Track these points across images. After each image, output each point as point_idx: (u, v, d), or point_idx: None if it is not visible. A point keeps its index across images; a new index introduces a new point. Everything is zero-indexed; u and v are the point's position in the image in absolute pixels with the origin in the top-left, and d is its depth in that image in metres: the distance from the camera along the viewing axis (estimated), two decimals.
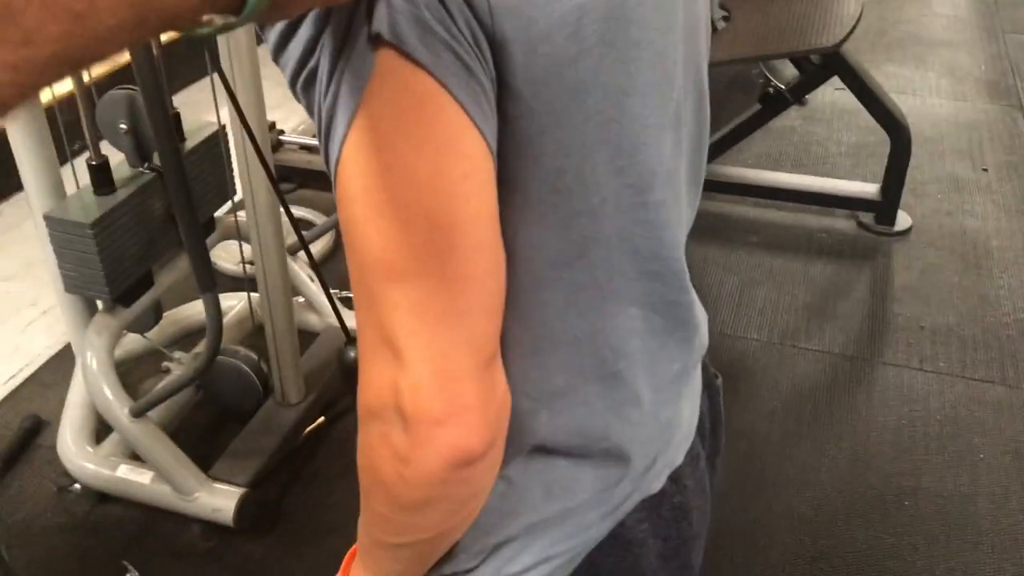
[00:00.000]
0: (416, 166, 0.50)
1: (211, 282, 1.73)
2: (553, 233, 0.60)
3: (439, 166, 0.50)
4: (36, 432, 2.28)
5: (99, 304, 2.02)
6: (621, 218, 0.63)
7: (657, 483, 0.76)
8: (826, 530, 2.02)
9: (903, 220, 3.06)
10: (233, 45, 1.78)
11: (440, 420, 0.54)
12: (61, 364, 2.46)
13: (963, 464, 2.18)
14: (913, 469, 2.17)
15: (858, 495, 2.11)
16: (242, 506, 1.93)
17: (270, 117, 2.27)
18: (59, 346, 2.55)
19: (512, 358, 0.61)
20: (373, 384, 0.56)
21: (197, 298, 2.46)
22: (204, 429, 2.25)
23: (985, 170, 3.42)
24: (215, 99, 1.93)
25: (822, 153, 3.54)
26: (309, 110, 0.54)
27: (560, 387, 0.66)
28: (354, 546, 0.79)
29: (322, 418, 2.28)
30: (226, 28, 0.36)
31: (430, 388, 0.53)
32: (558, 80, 0.54)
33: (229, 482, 1.98)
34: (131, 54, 1.58)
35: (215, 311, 1.76)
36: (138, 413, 1.88)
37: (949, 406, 2.35)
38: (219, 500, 1.94)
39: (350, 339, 0.91)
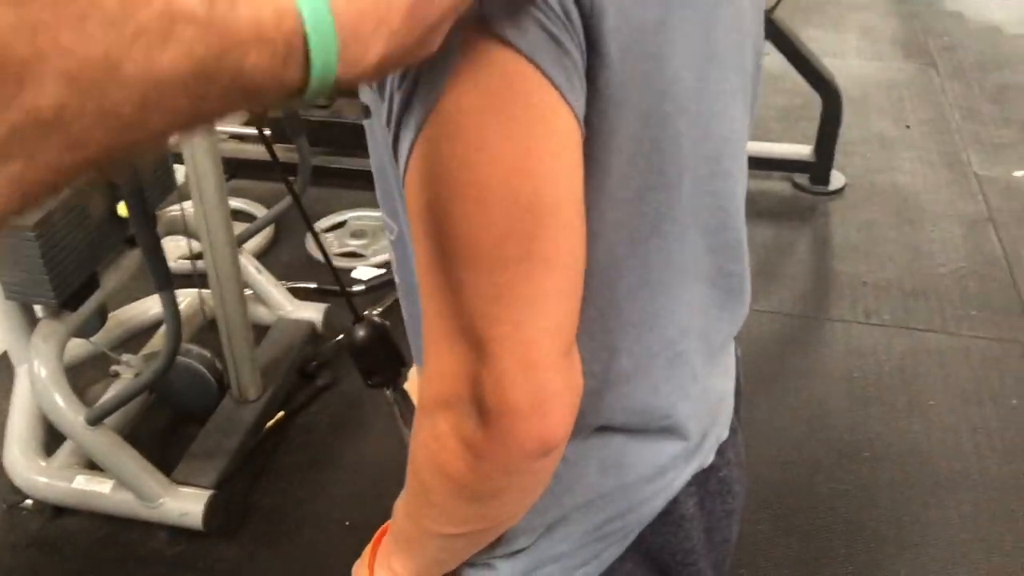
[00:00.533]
0: (505, 147, 0.47)
1: (167, 280, 1.67)
2: (628, 209, 0.59)
3: (529, 146, 0.48)
4: None
5: (38, 311, 1.94)
6: (694, 190, 0.62)
7: (709, 457, 0.76)
8: (790, 486, 2.07)
9: (837, 179, 3.13)
10: None
11: (526, 412, 0.52)
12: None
13: (915, 412, 2.25)
14: (868, 420, 2.23)
15: (818, 449, 2.16)
16: (210, 508, 1.88)
17: None
18: None
19: (580, 340, 0.60)
20: (446, 376, 0.54)
21: (141, 297, 2.39)
22: (160, 432, 2.18)
23: (908, 127, 3.53)
24: None
25: (754, 117, 3.59)
26: (380, 92, 0.51)
27: (626, 368, 0.65)
28: (383, 527, 0.77)
29: (282, 412, 2.23)
30: (288, 109, 0.34)
31: (515, 379, 0.51)
32: (644, 45, 0.52)
33: (194, 484, 1.92)
34: None
35: (173, 309, 1.70)
36: (94, 421, 1.81)
37: (896, 357, 2.42)
38: (186, 504, 1.88)
39: (359, 318, 0.89)
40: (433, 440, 0.57)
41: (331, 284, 2.62)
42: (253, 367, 2.14)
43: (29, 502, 1.98)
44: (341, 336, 2.44)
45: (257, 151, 2.99)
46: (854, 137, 3.43)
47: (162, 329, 2.32)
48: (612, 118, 0.53)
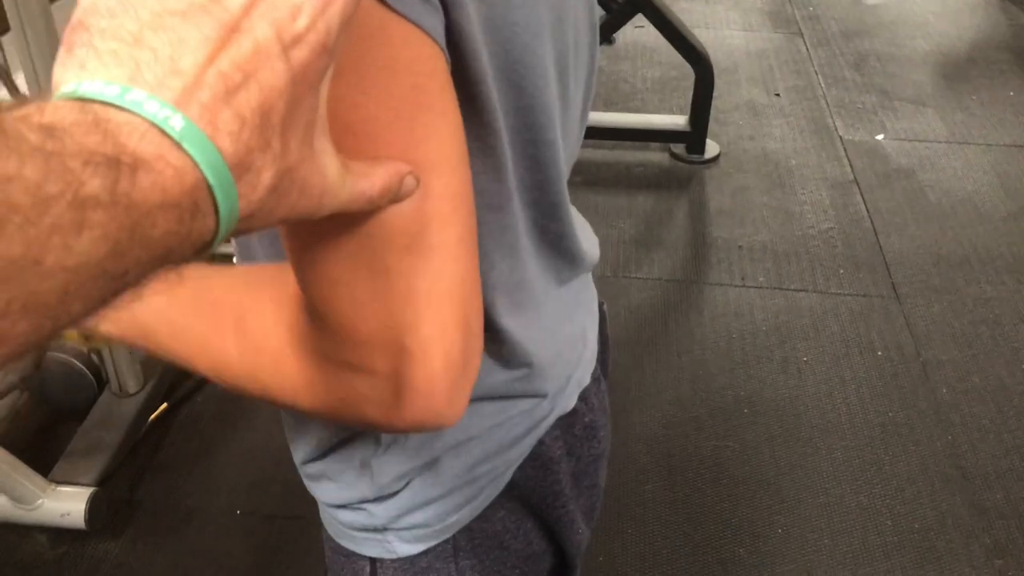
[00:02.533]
0: (396, 84, 0.47)
1: None
2: (491, 176, 0.60)
3: (417, 81, 0.48)
4: None
5: None
6: (515, 154, 0.63)
7: (571, 402, 0.78)
8: (677, 444, 2.14)
9: (712, 148, 3.23)
10: (23, 6, 1.63)
11: (448, 382, 0.52)
12: None
13: (790, 369, 2.36)
14: (747, 379, 2.33)
15: (701, 408, 2.24)
16: (93, 506, 1.83)
17: None
18: None
19: None
20: (354, 344, 0.52)
21: None
22: (35, 433, 2.10)
23: (778, 95, 3.66)
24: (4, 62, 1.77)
25: (630, 90, 3.67)
26: None
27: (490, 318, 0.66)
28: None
29: (165, 404, 2.17)
30: (198, 257, 0.35)
31: (440, 352, 0.51)
32: (480, 16, 0.53)
33: (74, 483, 1.86)
34: None
35: None
36: None
37: (772, 317, 2.53)
38: (67, 503, 1.82)
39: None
40: (315, 384, 0.55)
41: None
42: (132, 359, 2.08)
43: None
44: None
45: None
46: (727, 106, 3.54)
47: None
48: (471, 87, 0.53)
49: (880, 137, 3.37)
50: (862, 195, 3.04)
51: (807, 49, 4.02)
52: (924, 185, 3.09)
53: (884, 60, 3.94)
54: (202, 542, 1.92)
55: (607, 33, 3.12)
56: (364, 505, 0.74)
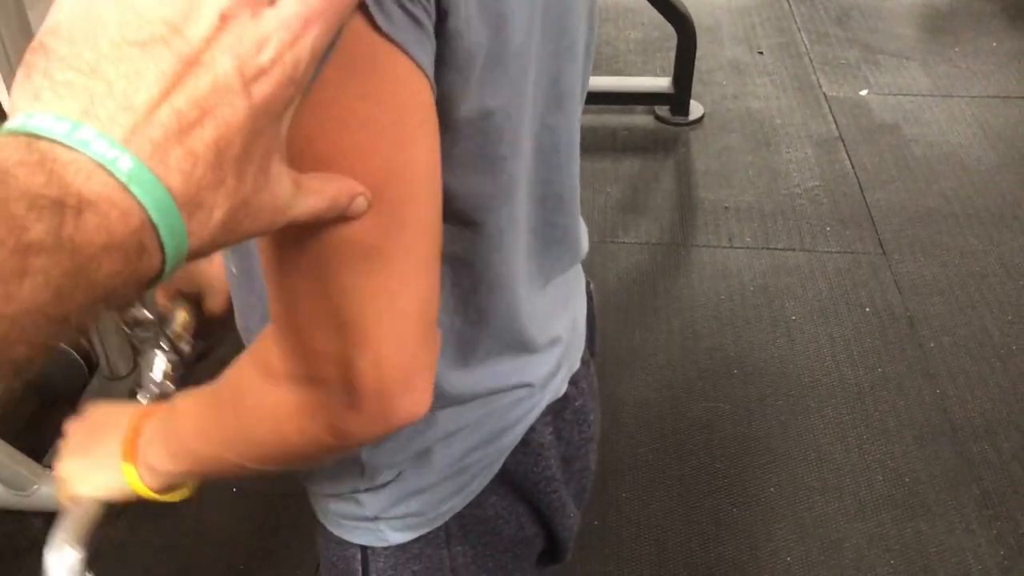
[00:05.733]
0: (376, 119, 0.46)
1: None
2: (482, 179, 0.59)
3: (398, 117, 0.47)
4: None
5: None
6: (533, 150, 0.63)
7: (562, 387, 0.79)
8: (668, 408, 2.16)
9: (696, 109, 3.22)
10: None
11: (399, 390, 0.52)
12: None
13: (779, 328, 2.37)
14: (736, 339, 2.34)
15: (692, 370, 2.25)
16: None
17: None
18: None
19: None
20: (303, 357, 0.53)
21: None
22: (28, 419, 2.10)
23: (761, 53, 3.64)
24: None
25: (612, 52, 3.64)
26: None
27: (472, 319, 0.67)
28: (142, 411, 0.71)
29: None
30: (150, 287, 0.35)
31: (390, 359, 0.52)
32: (487, 19, 0.52)
33: None
34: None
35: None
36: None
37: (759, 276, 2.54)
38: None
39: None
40: (281, 411, 0.56)
41: None
42: (123, 340, 2.07)
43: None
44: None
45: None
46: (710, 66, 3.52)
47: None
48: (463, 88, 0.53)
49: (864, 92, 3.36)
50: (847, 151, 3.03)
51: (789, 5, 3.99)
52: (909, 140, 3.09)
53: (867, 14, 3.91)
54: (200, 521, 1.93)
55: None
56: (356, 495, 0.74)
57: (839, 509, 1.92)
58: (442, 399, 0.68)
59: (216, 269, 0.90)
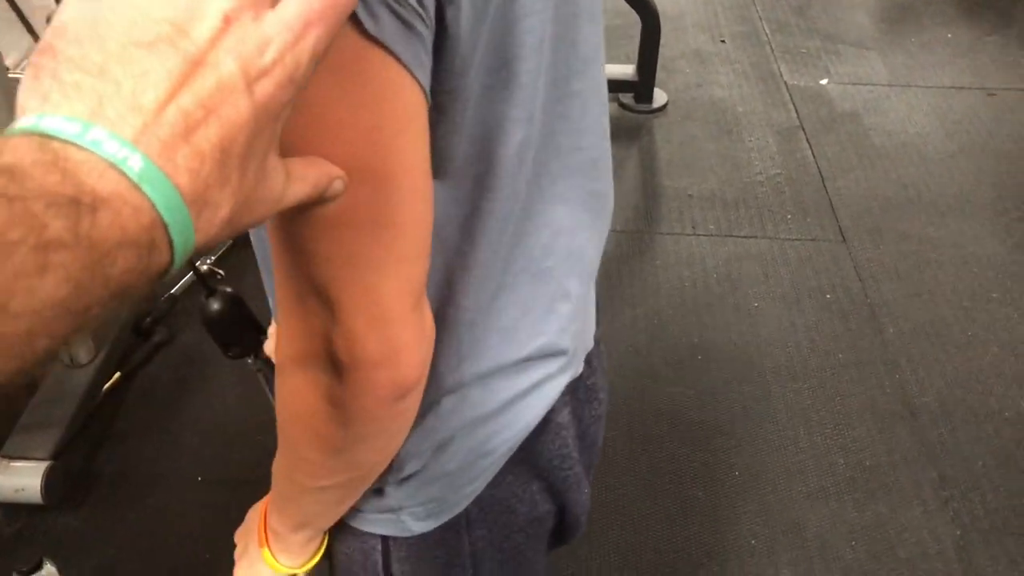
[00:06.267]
0: (353, 122, 0.47)
1: None
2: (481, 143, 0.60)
3: (377, 122, 0.48)
4: None
5: None
6: (545, 117, 0.63)
7: (580, 367, 0.79)
8: (633, 393, 2.17)
9: (659, 97, 3.23)
10: None
11: (378, 363, 0.54)
12: None
13: (742, 314, 2.40)
14: (700, 325, 2.36)
15: (656, 356, 2.27)
16: (49, 479, 1.81)
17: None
18: None
19: (455, 274, 0.62)
20: (301, 334, 0.55)
21: None
22: None
23: (723, 42, 3.66)
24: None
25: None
26: None
27: (493, 291, 0.67)
28: (265, 499, 0.77)
29: (118, 374, 2.14)
30: (158, 281, 0.36)
31: (367, 336, 0.53)
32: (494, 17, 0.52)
33: (28, 457, 1.83)
34: None
35: None
36: None
37: (723, 264, 2.56)
38: (21, 479, 1.79)
39: (209, 291, 0.87)
40: (293, 395, 0.59)
41: None
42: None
43: None
44: (175, 287, 2.36)
45: None
46: (674, 54, 3.54)
47: None
48: (463, 75, 0.53)
49: (824, 82, 3.40)
50: (808, 140, 3.07)
51: None
52: (868, 129, 3.13)
53: (827, 4, 3.96)
54: (164, 510, 1.91)
55: None
56: (384, 488, 0.74)
57: (802, 491, 1.95)
58: (482, 373, 0.69)
59: None
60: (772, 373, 2.23)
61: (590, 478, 0.90)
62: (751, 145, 3.05)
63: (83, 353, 2.05)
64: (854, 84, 3.38)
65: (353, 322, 0.53)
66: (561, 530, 0.89)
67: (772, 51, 3.60)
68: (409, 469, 0.72)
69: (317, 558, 0.76)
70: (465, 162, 0.59)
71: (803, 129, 3.12)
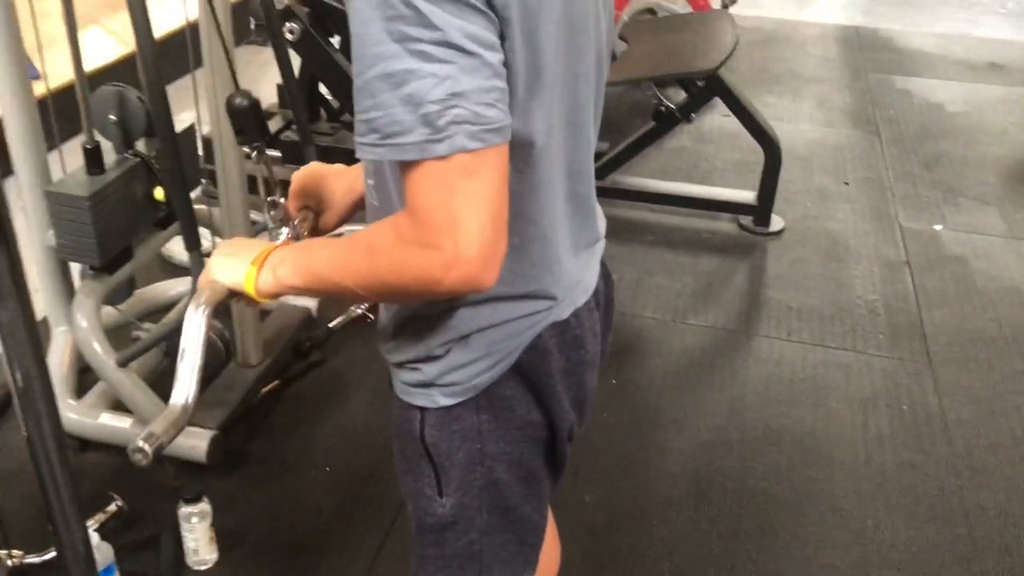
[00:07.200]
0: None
1: (197, 241, 2.05)
2: (540, 145, 0.98)
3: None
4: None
5: (75, 281, 2.32)
6: (559, 125, 1.01)
7: (565, 313, 1.13)
8: (707, 462, 2.44)
9: (777, 222, 3.56)
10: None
11: (480, 267, 0.87)
12: None
13: (819, 411, 2.63)
14: (778, 415, 2.61)
15: (734, 435, 2.53)
16: (213, 445, 2.24)
17: None
18: None
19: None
20: (431, 230, 0.86)
21: (161, 280, 2.78)
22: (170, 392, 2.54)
23: (847, 184, 3.96)
24: (195, 96, 2.27)
25: (709, 168, 4.04)
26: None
27: (516, 245, 0.99)
28: (277, 246, 1.08)
29: (277, 381, 2.60)
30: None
31: (479, 244, 0.86)
32: (528, 21, 0.91)
33: (200, 425, 2.28)
34: (139, 55, 1.91)
35: (199, 268, 2.08)
36: (124, 362, 2.18)
37: (809, 368, 2.81)
38: (193, 440, 2.24)
39: (238, 89, 1.21)
40: (410, 261, 0.89)
41: None
42: (257, 338, 2.51)
43: None
44: (333, 322, 2.83)
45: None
46: (797, 189, 3.87)
47: (180, 305, 2.70)
48: (526, 81, 0.91)
49: (938, 227, 3.63)
50: (912, 274, 3.30)
51: (881, 146, 4.32)
52: (974, 271, 3.33)
53: (955, 161, 4.20)
54: (295, 490, 2.31)
55: (686, 112, 3.51)
56: (418, 364, 1.10)
57: (849, 564, 2.15)
58: (489, 297, 1.05)
59: (336, 196, 1.28)
60: (838, 462, 2.44)
61: (583, 417, 1.22)
62: (856, 273, 3.31)
63: (254, 357, 2.52)
64: (967, 232, 3.60)
65: (473, 238, 0.85)
66: (553, 448, 1.17)
67: (892, 196, 3.86)
68: (438, 352, 1.07)
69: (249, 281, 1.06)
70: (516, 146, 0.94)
71: (909, 265, 3.36)
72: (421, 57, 0.82)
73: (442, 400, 1.10)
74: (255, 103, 1.17)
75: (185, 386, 1.08)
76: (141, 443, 1.00)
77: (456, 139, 0.83)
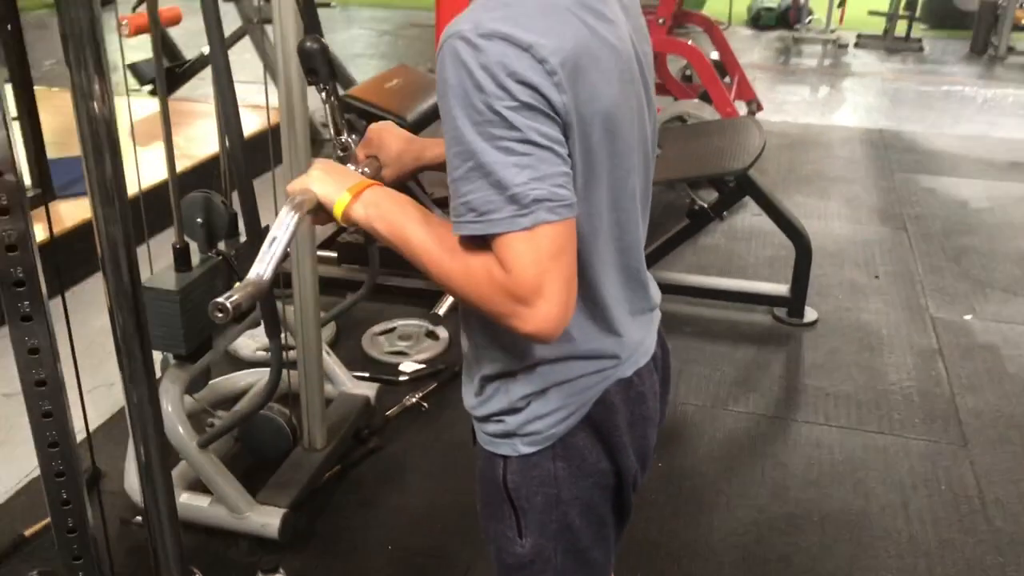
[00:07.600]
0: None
1: (278, 329, 2.25)
2: (589, 225, 1.16)
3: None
4: (96, 480, 2.70)
5: (157, 368, 2.52)
6: (609, 209, 1.20)
7: (628, 372, 1.29)
8: (753, 541, 2.53)
9: (810, 314, 3.70)
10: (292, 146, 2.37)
11: (554, 327, 1.05)
12: (110, 430, 2.89)
13: (858, 491, 2.72)
14: (819, 496, 2.71)
15: (777, 515, 2.63)
16: (285, 522, 2.39)
17: None
18: (104, 417, 2.99)
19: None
20: (524, 288, 1.03)
21: (229, 373, 2.97)
22: (242, 473, 2.70)
23: (877, 277, 4.12)
24: (275, 194, 2.51)
25: (742, 264, 4.22)
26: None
27: (580, 307, 1.17)
28: (365, 185, 1.18)
29: (339, 466, 2.75)
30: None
31: (558, 305, 1.04)
32: (585, 125, 1.11)
33: (272, 504, 2.43)
34: (231, 158, 2.15)
35: (278, 354, 2.27)
36: (204, 444, 2.35)
37: (848, 450, 2.92)
38: (266, 518, 2.39)
39: (309, 33, 1.27)
40: (497, 299, 1.05)
41: (381, 374, 3.20)
42: (322, 423, 2.68)
43: (139, 518, 2.49)
44: (390, 411, 2.99)
45: (326, 271, 3.63)
46: (830, 282, 4.02)
47: (250, 393, 2.88)
48: (587, 174, 1.11)
49: (968, 317, 3.76)
50: (944, 362, 3.41)
51: (910, 241, 4.49)
52: (1005, 358, 3.44)
53: (982, 255, 4.35)
54: (362, 567, 2.43)
55: (718, 210, 3.71)
56: (502, 416, 1.26)
57: None
58: (563, 355, 1.22)
59: (404, 159, 1.42)
60: (880, 540, 2.53)
61: (646, 469, 1.36)
62: (889, 361, 3.43)
63: (319, 441, 2.68)
64: (997, 322, 3.72)
65: (555, 298, 1.03)
66: (620, 496, 1.31)
67: (922, 289, 4.00)
68: (519, 405, 1.23)
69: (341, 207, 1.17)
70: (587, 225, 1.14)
71: (941, 353, 3.48)
72: (506, 151, 1.01)
73: (523, 448, 1.25)
74: (324, 47, 1.29)
75: (265, 263, 1.12)
76: (223, 300, 1.05)
77: (538, 214, 1.02)
